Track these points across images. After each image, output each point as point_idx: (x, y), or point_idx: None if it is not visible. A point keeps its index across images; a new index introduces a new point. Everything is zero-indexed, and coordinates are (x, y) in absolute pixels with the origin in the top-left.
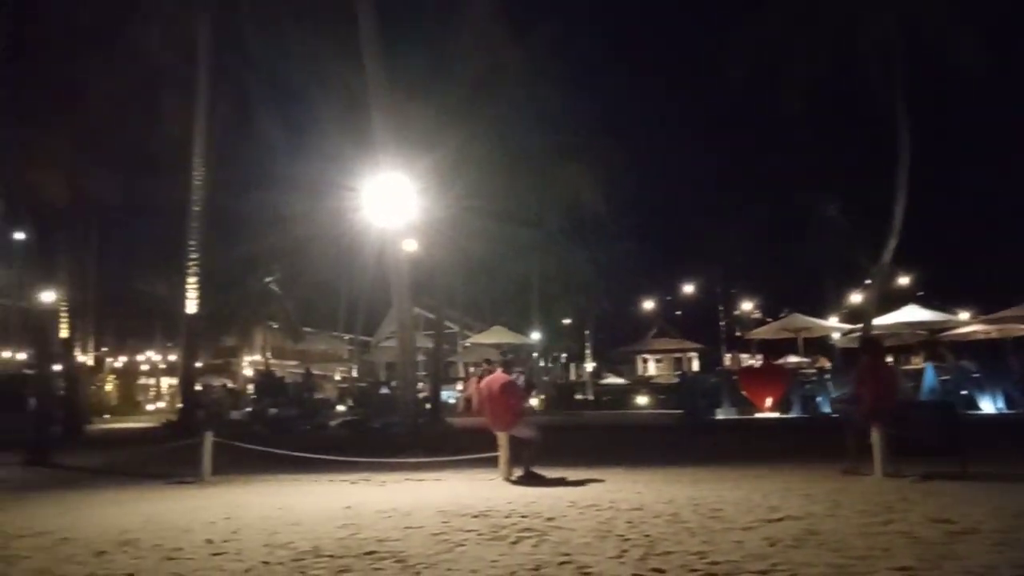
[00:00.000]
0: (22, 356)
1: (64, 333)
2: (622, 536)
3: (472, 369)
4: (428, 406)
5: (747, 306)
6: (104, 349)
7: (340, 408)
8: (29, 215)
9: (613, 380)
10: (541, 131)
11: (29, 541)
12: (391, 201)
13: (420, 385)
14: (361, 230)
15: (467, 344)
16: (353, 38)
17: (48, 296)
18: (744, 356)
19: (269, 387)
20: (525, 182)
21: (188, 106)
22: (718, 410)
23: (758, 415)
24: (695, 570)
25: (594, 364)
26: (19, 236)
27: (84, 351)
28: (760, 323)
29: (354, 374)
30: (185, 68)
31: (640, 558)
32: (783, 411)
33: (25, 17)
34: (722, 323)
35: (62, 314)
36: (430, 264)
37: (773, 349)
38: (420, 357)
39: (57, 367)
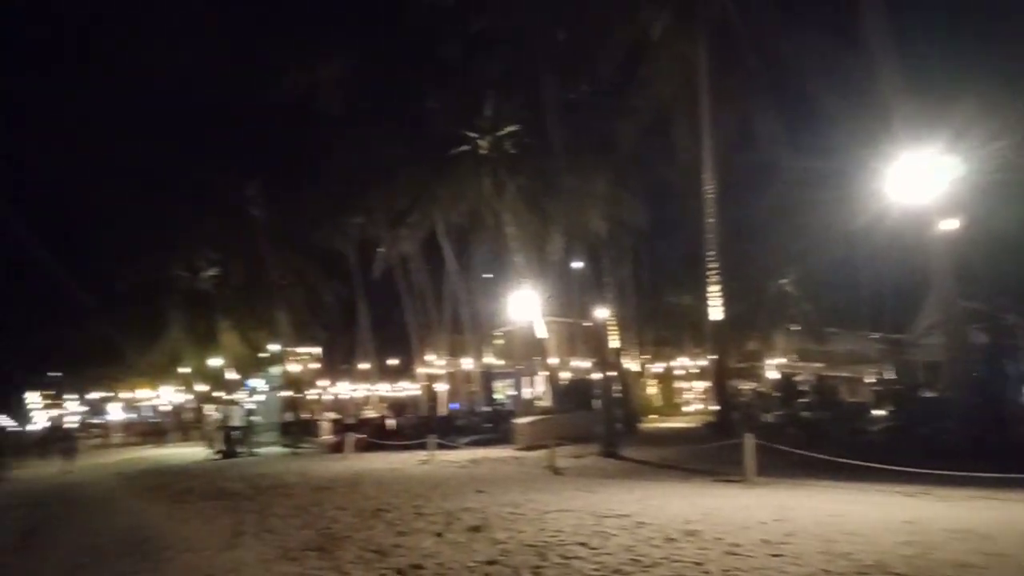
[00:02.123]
0: (586, 364)
1: (615, 343)
2: None
3: None
4: (991, 413)
5: None
6: (646, 356)
7: (876, 412)
8: (582, 246)
9: None
10: None
11: (614, 521)
12: (916, 178)
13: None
14: (879, 215)
15: None
16: (851, 19)
17: (600, 312)
18: None
19: (792, 390)
20: None
21: (695, 127)
22: None
23: None
24: None
25: None
26: (575, 264)
27: (630, 358)
28: None
29: (888, 376)
30: (688, 92)
31: None
32: None
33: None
34: None
35: (612, 327)
36: (972, 245)
37: None
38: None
39: (612, 373)
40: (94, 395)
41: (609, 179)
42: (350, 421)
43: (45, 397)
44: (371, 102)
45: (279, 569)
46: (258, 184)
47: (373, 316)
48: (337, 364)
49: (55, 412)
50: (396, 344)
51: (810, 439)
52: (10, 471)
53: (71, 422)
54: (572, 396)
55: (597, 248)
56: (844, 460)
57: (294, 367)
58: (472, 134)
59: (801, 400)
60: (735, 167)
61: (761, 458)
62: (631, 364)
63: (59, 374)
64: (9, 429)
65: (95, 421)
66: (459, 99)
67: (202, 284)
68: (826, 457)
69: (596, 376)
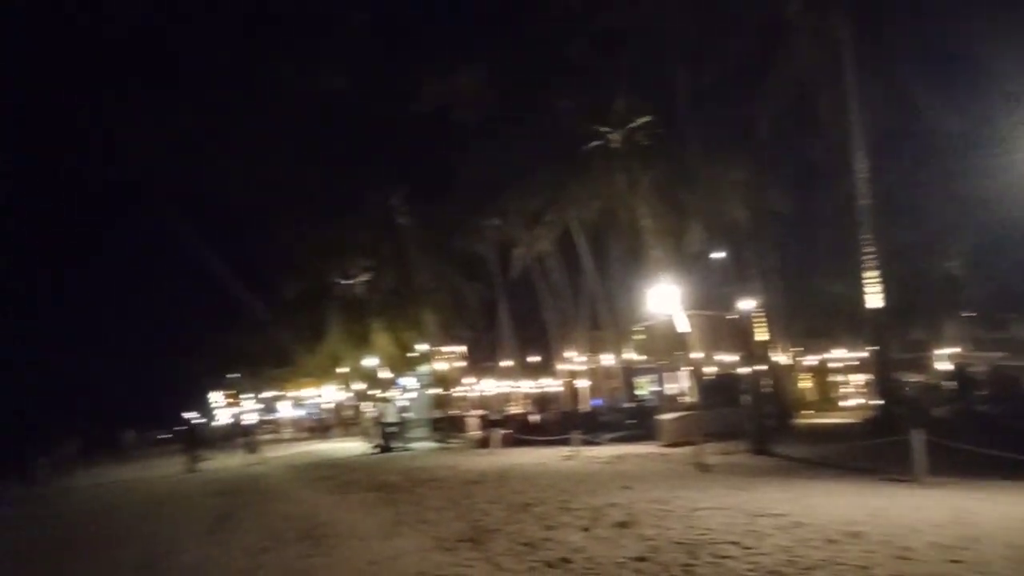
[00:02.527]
0: (731, 359)
1: (762, 336)
2: None
3: None
4: None
5: None
6: (797, 349)
7: None
8: (723, 236)
9: None
10: None
11: (768, 521)
12: None
13: None
14: None
15: None
16: None
17: (746, 304)
18: None
19: (966, 382)
20: None
21: (840, 103)
22: None
23: None
24: None
25: None
26: (715, 255)
27: (780, 351)
28: None
29: None
30: (831, 66)
31: None
32: None
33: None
34: None
35: (758, 319)
36: None
37: None
38: None
39: (761, 366)
40: (267, 394)
41: (749, 165)
42: (495, 417)
43: (226, 396)
44: (503, 106)
45: (436, 559)
46: (403, 193)
47: (513, 315)
48: (481, 362)
49: (236, 410)
50: (536, 342)
51: (989, 435)
52: (201, 462)
53: (250, 419)
54: (718, 391)
55: (739, 237)
56: None
57: (441, 366)
58: (604, 128)
59: (978, 392)
60: (886, 140)
61: (932, 456)
62: (781, 357)
63: (237, 375)
64: (198, 425)
65: (268, 418)
66: (588, 95)
67: (356, 290)
68: (1010, 455)
69: (743, 370)
